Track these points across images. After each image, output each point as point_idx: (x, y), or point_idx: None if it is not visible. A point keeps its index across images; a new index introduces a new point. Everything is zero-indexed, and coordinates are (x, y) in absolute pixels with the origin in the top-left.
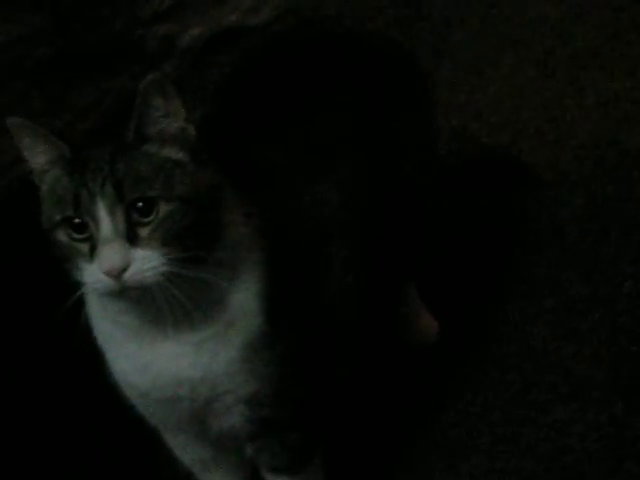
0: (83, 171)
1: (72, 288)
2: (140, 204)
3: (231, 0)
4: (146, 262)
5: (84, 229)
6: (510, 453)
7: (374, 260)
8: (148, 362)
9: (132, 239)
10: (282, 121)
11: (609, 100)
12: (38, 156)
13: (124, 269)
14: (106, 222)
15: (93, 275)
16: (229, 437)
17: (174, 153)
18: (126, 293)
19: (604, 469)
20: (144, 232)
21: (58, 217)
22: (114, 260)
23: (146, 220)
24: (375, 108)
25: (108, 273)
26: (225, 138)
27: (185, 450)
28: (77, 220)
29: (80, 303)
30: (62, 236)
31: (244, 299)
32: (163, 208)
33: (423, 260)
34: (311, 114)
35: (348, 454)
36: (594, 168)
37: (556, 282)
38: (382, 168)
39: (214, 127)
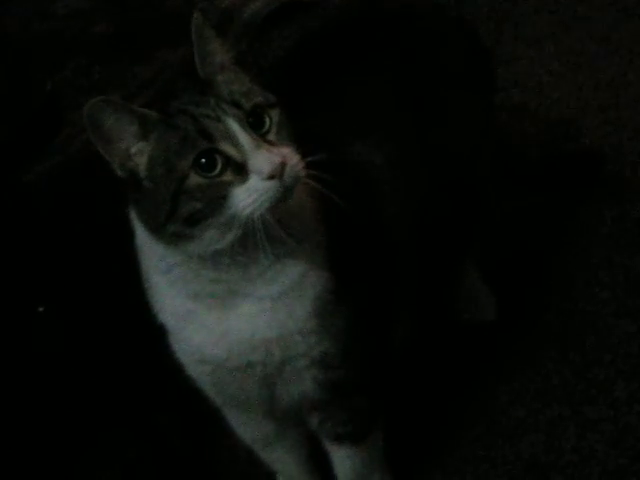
0: (189, 113)
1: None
2: (253, 118)
3: None
4: (293, 155)
5: (213, 165)
6: (570, 431)
7: (431, 230)
8: (226, 329)
9: (269, 143)
10: (338, 91)
11: None
12: (127, 130)
13: (284, 165)
14: (243, 134)
15: (253, 191)
16: (296, 407)
17: (244, 77)
18: (282, 203)
19: None
20: (272, 137)
21: (189, 160)
22: (274, 158)
23: (265, 129)
24: (433, 80)
25: (273, 172)
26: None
27: (248, 428)
28: (203, 160)
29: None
30: (199, 180)
31: (312, 251)
32: (272, 113)
33: (483, 236)
34: (367, 85)
35: (406, 428)
36: None
37: (615, 260)
38: (439, 138)
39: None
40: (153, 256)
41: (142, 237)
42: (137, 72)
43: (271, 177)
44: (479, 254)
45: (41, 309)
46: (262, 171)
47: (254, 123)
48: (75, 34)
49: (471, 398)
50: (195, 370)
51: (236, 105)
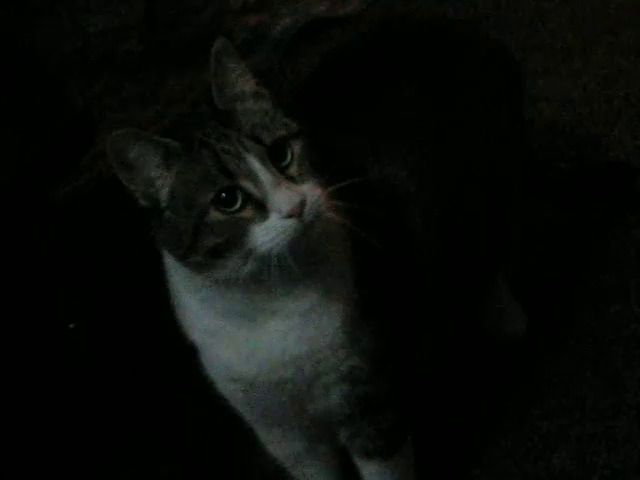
0: (209, 147)
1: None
2: (274, 150)
3: None
4: (314, 192)
5: (233, 201)
6: (601, 448)
7: (459, 245)
8: (256, 347)
9: (290, 179)
10: (365, 108)
11: None
12: (150, 161)
13: (303, 204)
14: (263, 171)
15: (272, 229)
16: (324, 422)
17: (265, 105)
18: (301, 238)
19: None
20: (293, 171)
21: (210, 196)
22: (293, 197)
23: (286, 162)
24: (463, 94)
25: (292, 212)
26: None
27: (279, 445)
28: (224, 195)
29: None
30: (219, 216)
31: (339, 265)
32: (295, 145)
33: (512, 253)
34: (396, 100)
35: (436, 443)
36: None
37: None
38: (469, 153)
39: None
40: (181, 276)
41: (170, 258)
42: (166, 89)
43: (290, 216)
44: (509, 269)
45: (72, 326)
46: (281, 210)
47: (275, 156)
48: (105, 51)
49: (502, 414)
50: (227, 388)
51: (257, 140)
